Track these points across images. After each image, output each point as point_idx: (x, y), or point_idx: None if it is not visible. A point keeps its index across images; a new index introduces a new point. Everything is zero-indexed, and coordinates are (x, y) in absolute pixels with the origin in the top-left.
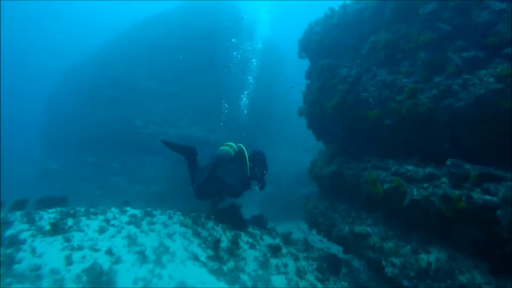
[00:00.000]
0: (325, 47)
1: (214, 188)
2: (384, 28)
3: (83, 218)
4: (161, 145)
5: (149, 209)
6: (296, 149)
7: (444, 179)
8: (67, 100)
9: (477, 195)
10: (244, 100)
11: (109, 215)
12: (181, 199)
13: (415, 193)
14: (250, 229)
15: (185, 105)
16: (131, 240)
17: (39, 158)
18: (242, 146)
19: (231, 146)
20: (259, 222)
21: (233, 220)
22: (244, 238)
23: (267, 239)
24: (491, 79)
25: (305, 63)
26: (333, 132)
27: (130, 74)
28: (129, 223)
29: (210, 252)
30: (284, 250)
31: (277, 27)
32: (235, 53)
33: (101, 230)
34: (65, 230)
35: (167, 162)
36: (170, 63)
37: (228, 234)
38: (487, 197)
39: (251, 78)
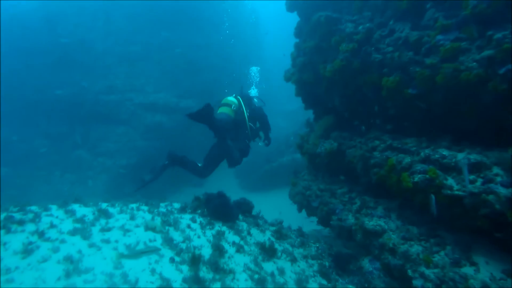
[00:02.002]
0: None
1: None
2: None
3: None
4: (126, 114)
5: (105, 205)
6: (271, 113)
7: (497, 170)
8: (7, 60)
9: None
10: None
11: (44, 222)
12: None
13: (449, 191)
14: (236, 221)
15: (151, 68)
16: (72, 266)
17: None
18: (241, 99)
19: (229, 105)
20: (244, 208)
21: (216, 208)
22: (228, 236)
23: (256, 234)
24: None
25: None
26: (330, 101)
27: (84, 31)
28: (73, 232)
29: (187, 272)
30: (277, 247)
31: None
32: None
33: (26, 251)
34: None
35: (134, 132)
36: (132, 17)
37: (209, 232)
38: None
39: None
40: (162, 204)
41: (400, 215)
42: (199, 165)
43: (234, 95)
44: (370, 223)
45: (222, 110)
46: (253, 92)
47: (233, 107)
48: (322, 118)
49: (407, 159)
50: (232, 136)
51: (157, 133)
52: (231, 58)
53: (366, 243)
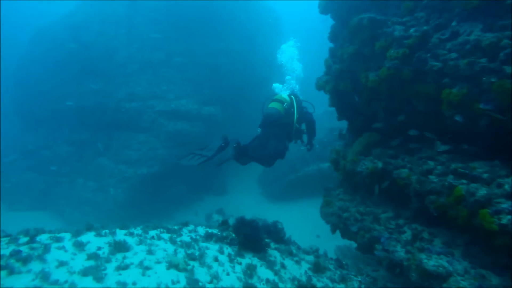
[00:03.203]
0: None
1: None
2: None
3: None
4: (147, 122)
5: (122, 233)
6: None
7: None
8: (35, 70)
9: None
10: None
11: (53, 257)
12: (173, 182)
13: None
14: (267, 250)
15: (173, 75)
16: None
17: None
18: (294, 99)
19: (282, 102)
20: (275, 234)
21: (246, 237)
22: (260, 271)
23: (290, 266)
24: None
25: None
26: (372, 114)
27: (107, 39)
28: (85, 272)
29: None
30: (316, 285)
31: None
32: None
33: None
34: None
35: (155, 140)
36: (154, 25)
37: (238, 267)
38: None
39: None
40: (185, 230)
41: (467, 254)
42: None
43: (288, 93)
44: (430, 262)
45: (273, 105)
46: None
47: (285, 105)
48: (363, 134)
49: (482, 191)
50: (276, 133)
51: (179, 141)
52: (251, 62)
53: (424, 285)
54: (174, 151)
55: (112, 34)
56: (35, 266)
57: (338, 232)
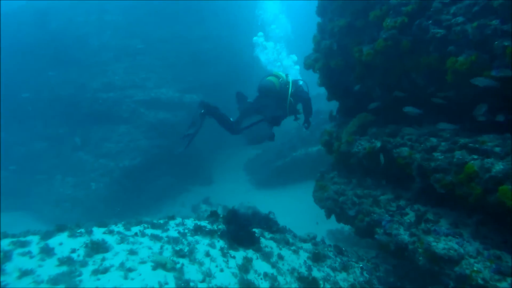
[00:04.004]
0: None
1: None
2: None
3: None
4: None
5: (100, 232)
6: None
7: None
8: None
9: None
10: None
11: (16, 266)
12: (157, 174)
13: None
14: (262, 240)
15: (152, 63)
16: None
17: None
18: (290, 78)
19: (278, 77)
20: (267, 223)
21: (239, 231)
22: (256, 264)
23: (288, 256)
24: None
25: None
26: (365, 92)
27: (78, 26)
28: (55, 281)
29: None
30: (317, 275)
31: None
32: None
33: None
34: None
35: (136, 131)
36: (127, 10)
37: (233, 262)
38: None
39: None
40: (172, 224)
41: (477, 234)
42: (231, 119)
43: (285, 74)
44: (440, 245)
45: (270, 78)
46: None
47: (280, 80)
48: (357, 115)
49: (498, 166)
50: (267, 104)
51: (160, 131)
52: (234, 48)
53: (434, 269)
54: (156, 141)
55: (82, 20)
56: None
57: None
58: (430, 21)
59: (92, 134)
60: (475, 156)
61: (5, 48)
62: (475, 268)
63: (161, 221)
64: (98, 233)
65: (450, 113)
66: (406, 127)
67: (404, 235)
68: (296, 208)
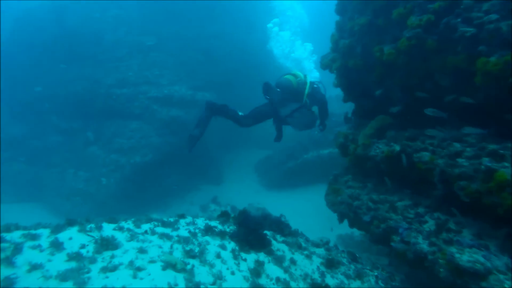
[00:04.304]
0: None
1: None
2: None
3: None
4: (139, 108)
5: (110, 228)
6: None
7: None
8: (19, 56)
9: None
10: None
11: (25, 259)
12: (167, 171)
13: None
14: (274, 243)
15: (165, 59)
16: None
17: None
18: (308, 78)
19: (296, 76)
20: (279, 225)
21: (251, 233)
22: (268, 268)
23: (301, 261)
24: None
25: None
26: (384, 94)
27: (93, 22)
28: (64, 277)
29: None
30: (330, 283)
31: None
32: None
33: None
34: None
35: (148, 128)
36: (144, 7)
37: (244, 265)
38: None
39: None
40: (182, 222)
41: (504, 247)
42: (240, 113)
43: (304, 74)
44: (464, 257)
45: (287, 76)
46: None
47: (298, 79)
48: (375, 117)
49: None
50: (283, 99)
51: (173, 128)
52: (247, 46)
53: (456, 282)
54: (168, 138)
55: (98, 17)
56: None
57: (341, 221)
58: (459, 19)
59: (104, 129)
60: (506, 164)
61: (24, 44)
62: (506, 286)
63: (171, 220)
64: (108, 229)
65: (475, 117)
66: (429, 129)
67: (423, 244)
68: (306, 211)
